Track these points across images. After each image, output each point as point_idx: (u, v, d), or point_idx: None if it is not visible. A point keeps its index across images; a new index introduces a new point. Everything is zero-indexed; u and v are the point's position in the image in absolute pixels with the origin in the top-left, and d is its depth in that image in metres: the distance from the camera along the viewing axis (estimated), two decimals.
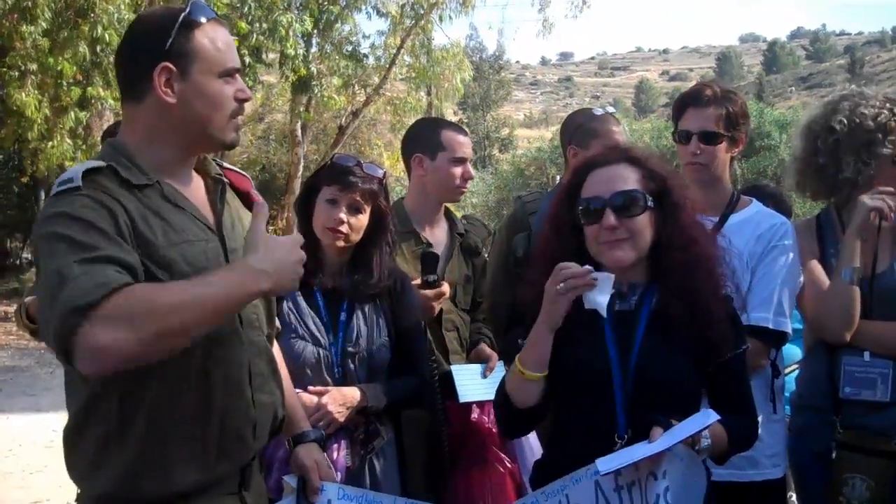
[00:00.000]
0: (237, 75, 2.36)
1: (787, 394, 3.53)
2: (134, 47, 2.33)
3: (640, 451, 2.38)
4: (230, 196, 2.52)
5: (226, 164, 2.59)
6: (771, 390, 3.32)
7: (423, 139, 4.02)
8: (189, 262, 2.22)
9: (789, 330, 3.29)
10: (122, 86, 2.37)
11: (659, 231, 2.64)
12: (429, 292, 3.64)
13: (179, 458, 2.25)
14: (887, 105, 3.42)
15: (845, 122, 3.40)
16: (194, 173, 2.44)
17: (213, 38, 2.29)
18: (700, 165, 3.38)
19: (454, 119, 56.49)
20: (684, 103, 3.47)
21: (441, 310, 3.81)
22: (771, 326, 3.23)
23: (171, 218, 2.25)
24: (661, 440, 2.39)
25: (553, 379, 2.66)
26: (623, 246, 2.61)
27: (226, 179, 2.50)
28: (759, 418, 3.12)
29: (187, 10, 2.28)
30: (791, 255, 3.30)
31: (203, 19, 2.29)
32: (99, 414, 2.22)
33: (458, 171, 3.92)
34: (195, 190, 2.40)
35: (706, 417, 2.46)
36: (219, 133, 2.33)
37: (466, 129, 4.23)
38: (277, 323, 2.84)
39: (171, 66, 2.24)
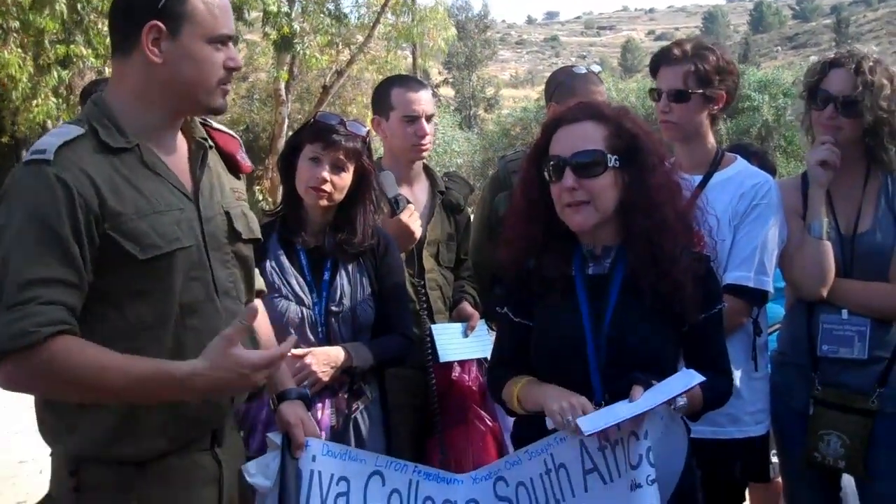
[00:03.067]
0: (230, 43, 2.33)
1: (769, 352, 3.55)
2: (128, 1, 2.31)
3: (623, 411, 2.38)
4: (213, 160, 2.50)
5: (215, 125, 2.57)
6: (752, 348, 3.32)
7: (378, 100, 3.97)
8: (160, 233, 2.22)
9: (770, 288, 3.29)
10: (113, 40, 2.35)
11: (626, 192, 2.60)
12: (402, 216, 3.61)
13: (154, 424, 2.26)
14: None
15: None
16: (180, 136, 2.42)
17: (209, 3, 2.27)
18: (671, 124, 3.39)
19: (439, 78, 56.26)
20: (657, 62, 3.47)
21: (424, 268, 3.81)
22: (751, 285, 3.23)
23: (145, 186, 2.24)
24: (643, 400, 2.39)
25: (529, 342, 2.70)
26: (583, 209, 2.59)
27: (209, 143, 2.48)
28: (739, 375, 3.18)
29: None
30: (774, 213, 3.30)
31: None
32: None
33: (410, 129, 3.81)
34: (177, 154, 2.38)
35: (689, 378, 2.47)
36: (205, 97, 2.31)
37: (426, 83, 4.08)
38: (261, 283, 2.85)
39: (160, 24, 2.22)
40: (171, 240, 2.23)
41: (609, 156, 2.58)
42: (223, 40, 2.31)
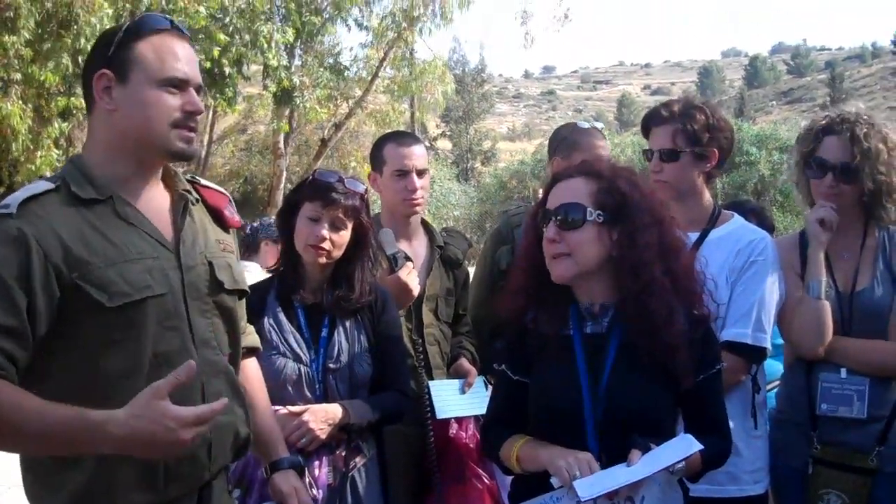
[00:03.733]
0: (189, 89, 2.34)
1: (768, 409, 3.54)
2: (88, 59, 2.39)
3: (621, 476, 2.37)
4: (199, 213, 2.50)
5: (203, 182, 2.58)
6: (752, 406, 3.31)
7: (373, 156, 4.01)
8: (129, 280, 2.21)
9: (768, 345, 3.29)
10: (84, 99, 2.41)
11: (615, 250, 2.61)
12: (400, 273, 3.61)
13: (130, 480, 2.23)
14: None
15: None
16: (162, 188, 2.43)
17: (158, 48, 2.30)
18: (663, 183, 3.39)
19: (437, 131, 56.60)
20: (647, 123, 3.50)
21: (423, 323, 3.81)
22: (749, 342, 3.23)
23: (116, 235, 2.24)
24: (641, 465, 2.39)
25: (526, 399, 2.69)
26: (562, 260, 2.61)
27: (192, 196, 2.48)
28: (740, 434, 3.15)
29: (137, 19, 2.33)
30: (771, 270, 3.31)
31: (149, 28, 2.31)
32: None
33: (401, 183, 3.83)
34: (155, 205, 2.39)
35: (688, 445, 2.46)
36: (159, 140, 2.31)
37: (419, 139, 4.11)
38: (256, 341, 2.84)
39: (108, 72, 2.26)
40: (141, 287, 2.22)
41: (591, 210, 2.60)
42: (175, 84, 2.31)
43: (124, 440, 2.05)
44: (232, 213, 2.63)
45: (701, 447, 2.46)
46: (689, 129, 3.35)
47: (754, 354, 3.27)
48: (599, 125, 4.31)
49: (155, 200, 2.39)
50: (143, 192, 2.36)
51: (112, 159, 2.31)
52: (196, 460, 2.35)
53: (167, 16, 2.40)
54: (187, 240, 2.40)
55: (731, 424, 2.90)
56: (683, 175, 3.39)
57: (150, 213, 2.35)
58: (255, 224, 6.42)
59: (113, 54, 2.27)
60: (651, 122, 3.47)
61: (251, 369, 2.81)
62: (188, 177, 2.54)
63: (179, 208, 2.43)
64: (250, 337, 2.80)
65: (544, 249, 2.65)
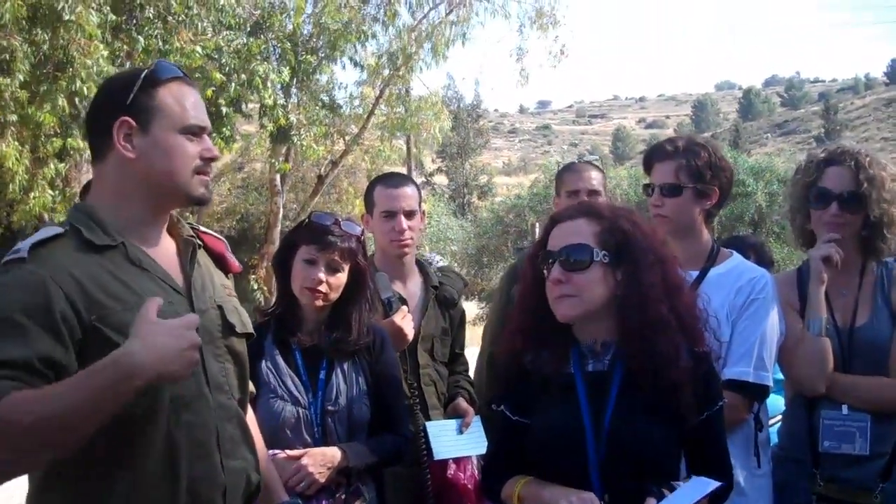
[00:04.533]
0: (204, 135, 2.36)
1: (771, 446, 3.52)
2: (98, 106, 2.37)
3: None
4: (203, 257, 2.51)
5: (201, 228, 2.58)
6: (754, 444, 3.29)
7: (366, 198, 4.05)
8: None
9: (770, 383, 3.27)
10: (90, 146, 2.39)
11: (619, 289, 2.61)
12: (395, 317, 3.61)
13: None
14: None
15: None
16: (166, 235, 2.43)
17: (177, 96, 2.31)
18: (663, 218, 3.40)
19: (433, 167, 56.78)
20: (650, 158, 3.51)
21: (419, 364, 3.79)
22: (751, 380, 3.21)
23: (131, 280, 2.24)
24: None
25: (527, 441, 2.66)
26: (568, 301, 2.60)
27: (198, 241, 2.49)
28: (743, 473, 3.15)
29: (152, 67, 2.32)
30: (771, 307, 3.30)
31: (167, 77, 2.32)
32: (62, 481, 2.19)
33: (388, 225, 3.85)
34: (164, 251, 2.39)
35: (703, 486, 2.45)
36: (182, 187, 2.32)
37: (409, 180, 4.13)
38: (252, 387, 2.82)
39: (130, 120, 2.26)
40: None
41: (597, 250, 2.60)
42: (195, 131, 2.33)
43: (143, 363, 2.00)
44: (232, 259, 2.64)
45: (717, 485, 2.45)
46: (692, 166, 3.36)
47: (756, 393, 3.25)
48: (592, 157, 4.39)
49: (163, 246, 2.40)
50: (153, 238, 2.37)
51: (124, 205, 2.31)
52: None
53: (177, 64, 2.43)
54: (197, 285, 2.41)
55: (734, 463, 2.88)
56: (684, 211, 3.39)
57: (160, 259, 2.35)
58: None
59: (132, 101, 2.26)
60: (654, 157, 3.47)
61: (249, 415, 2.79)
62: (189, 223, 2.54)
63: (187, 254, 2.43)
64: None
65: (548, 290, 2.64)
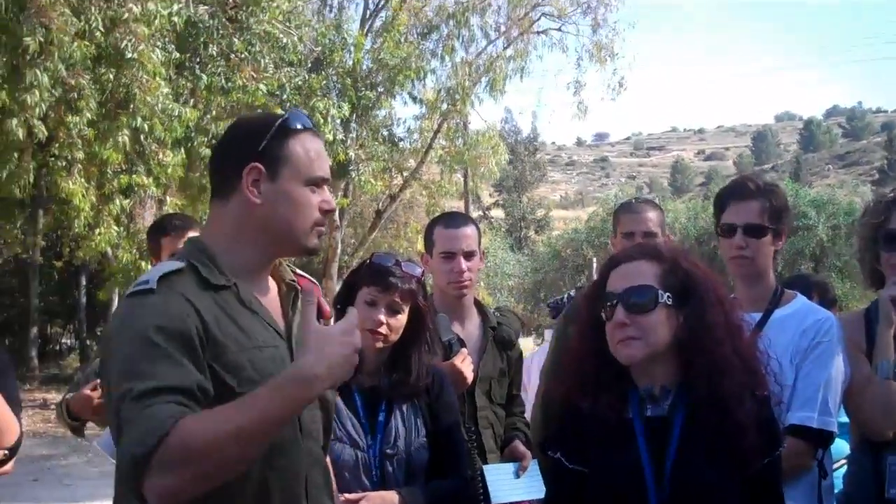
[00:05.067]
0: (325, 186, 2.39)
1: (835, 491, 3.44)
2: (228, 147, 2.41)
3: None
4: (300, 302, 2.53)
5: (298, 271, 2.61)
6: (818, 491, 3.21)
7: (426, 239, 4.06)
8: (257, 368, 2.23)
9: (835, 429, 3.21)
10: (213, 184, 2.42)
11: (682, 331, 2.58)
12: (455, 360, 3.61)
13: None
14: None
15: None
16: (269, 278, 2.47)
17: (306, 147, 2.34)
18: (745, 259, 3.34)
19: (490, 201, 56.86)
20: (727, 196, 3.44)
21: (476, 406, 3.78)
22: (816, 426, 3.14)
23: (244, 322, 2.27)
24: None
25: (584, 489, 2.63)
26: (632, 343, 2.56)
27: (299, 286, 2.51)
28: None
29: (286, 116, 2.36)
30: (836, 350, 3.24)
31: (299, 126, 2.35)
32: None
33: (447, 266, 3.86)
34: (269, 295, 2.43)
35: None
36: (302, 238, 2.35)
37: (470, 219, 4.13)
38: None
39: (260, 167, 2.28)
40: (267, 375, 2.21)
41: (661, 292, 2.57)
42: (318, 183, 2.36)
43: (318, 374, 2.06)
44: (324, 303, 2.70)
45: None
46: (773, 206, 3.34)
47: (821, 438, 3.18)
48: (645, 196, 4.38)
49: (268, 290, 2.43)
50: (260, 281, 2.40)
51: (239, 249, 2.34)
52: None
53: (309, 115, 2.44)
54: (297, 330, 2.42)
55: None
56: (765, 252, 3.36)
57: (265, 303, 2.39)
58: None
59: (265, 149, 2.29)
60: (734, 196, 3.41)
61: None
62: (289, 267, 2.57)
63: (289, 299, 2.46)
64: None
65: (609, 333, 2.61)
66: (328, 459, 2.72)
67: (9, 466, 3.16)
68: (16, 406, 3.17)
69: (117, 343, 2.14)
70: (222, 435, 1.99)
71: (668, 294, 2.57)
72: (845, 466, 3.68)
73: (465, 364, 3.63)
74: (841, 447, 3.88)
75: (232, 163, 2.32)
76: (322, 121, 15.83)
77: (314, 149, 2.36)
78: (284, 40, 14.76)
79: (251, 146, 2.30)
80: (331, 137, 16.31)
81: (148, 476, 1.96)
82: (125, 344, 2.11)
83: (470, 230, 3.95)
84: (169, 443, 1.95)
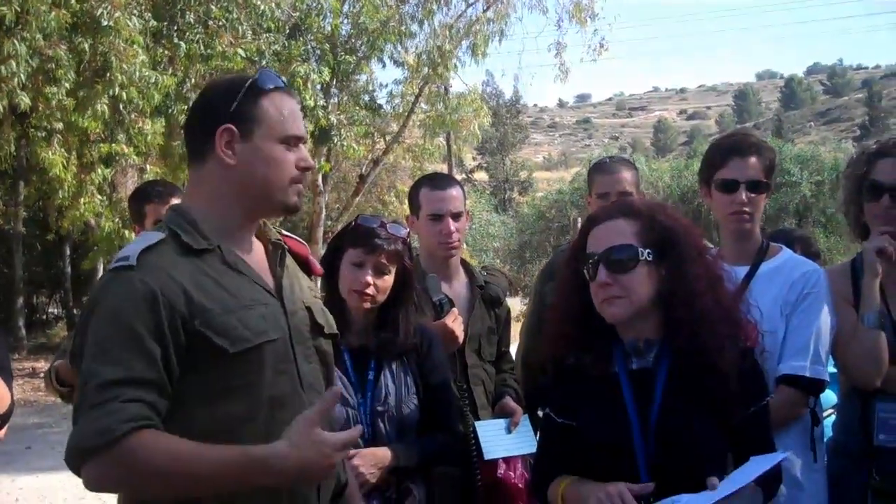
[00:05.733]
0: (301, 145, 2.40)
1: (825, 439, 3.48)
2: (200, 110, 2.42)
3: (702, 499, 2.33)
4: (289, 260, 2.55)
5: (284, 232, 2.62)
6: (811, 439, 3.26)
7: (411, 200, 4.06)
8: (247, 326, 2.25)
9: (827, 378, 3.25)
10: (189, 149, 2.44)
11: (663, 284, 2.61)
12: (446, 319, 3.64)
13: None
14: None
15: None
16: (255, 239, 2.48)
17: (278, 106, 2.35)
18: (747, 215, 3.36)
19: (473, 164, 56.74)
20: (727, 152, 3.41)
21: (467, 364, 3.81)
22: (808, 374, 3.18)
23: (230, 283, 2.29)
24: (727, 483, 2.35)
25: (574, 442, 2.66)
26: (617, 302, 2.59)
27: (285, 245, 2.54)
28: (799, 467, 3.16)
29: (255, 76, 2.37)
30: (825, 301, 3.28)
31: (270, 86, 2.36)
32: None
33: (436, 227, 3.87)
34: (255, 255, 2.44)
35: (766, 461, 2.43)
36: (279, 195, 2.37)
37: (454, 181, 4.13)
38: None
39: (232, 127, 2.30)
40: (259, 332, 2.27)
41: (641, 249, 2.59)
42: (292, 141, 2.37)
43: (286, 472, 2.13)
44: (314, 262, 2.70)
45: (784, 455, 2.45)
46: (768, 161, 3.38)
47: (813, 387, 3.22)
48: (620, 155, 4.39)
49: (254, 250, 2.45)
50: (245, 242, 2.42)
51: (220, 210, 2.36)
52: (307, 500, 2.39)
53: (280, 76, 2.44)
54: (286, 286, 2.46)
55: (792, 459, 2.92)
56: (761, 208, 3.40)
57: (252, 262, 2.40)
58: None
59: (236, 109, 2.31)
60: (736, 151, 3.39)
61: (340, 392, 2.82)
62: (274, 228, 2.59)
63: (276, 257, 2.48)
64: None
65: (594, 293, 2.63)
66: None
67: (1, 434, 3.17)
68: (6, 374, 3.17)
69: (95, 320, 2.17)
70: (171, 468, 2.08)
71: (647, 251, 2.59)
72: (833, 415, 3.73)
73: (455, 323, 3.66)
74: (829, 397, 3.92)
75: (205, 126, 2.34)
76: (302, 86, 15.73)
77: (287, 107, 2.38)
78: (262, 6, 14.61)
79: (222, 108, 2.32)
80: (311, 103, 16.20)
81: (86, 466, 2.07)
82: (101, 323, 2.16)
83: (456, 191, 3.95)
84: (119, 450, 2.04)
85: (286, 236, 2.61)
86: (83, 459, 2.06)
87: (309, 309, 2.51)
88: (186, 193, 2.46)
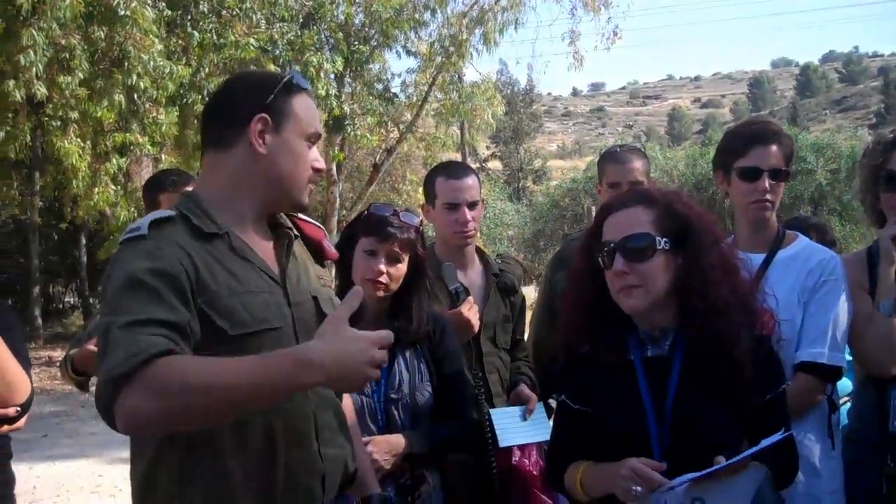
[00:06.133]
0: (314, 147, 2.45)
1: (841, 426, 3.48)
2: (232, 98, 2.44)
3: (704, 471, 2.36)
4: (299, 248, 2.55)
5: (299, 216, 2.63)
6: (828, 426, 3.26)
7: (426, 189, 4.05)
8: (250, 311, 2.25)
9: (844, 364, 3.25)
10: (212, 135, 2.42)
11: (680, 273, 2.60)
12: (462, 308, 3.64)
13: None
14: None
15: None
16: (265, 226, 2.48)
17: (306, 105, 2.42)
18: (769, 203, 3.35)
19: (487, 153, 56.71)
20: (750, 140, 3.38)
21: (482, 352, 3.82)
22: (826, 362, 3.18)
23: (236, 269, 2.29)
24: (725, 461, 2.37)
25: (589, 428, 2.67)
26: (635, 292, 2.58)
27: (294, 233, 2.54)
28: (818, 453, 3.17)
29: (290, 75, 2.43)
30: (842, 288, 3.27)
31: (303, 86, 2.44)
32: (165, 466, 2.26)
33: (452, 216, 3.87)
34: (263, 243, 2.44)
35: (776, 435, 2.43)
36: (296, 192, 2.41)
37: (470, 169, 4.13)
38: None
39: (267, 117, 2.34)
40: (260, 319, 2.27)
41: (658, 238, 2.58)
42: (314, 139, 2.44)
43: (324, 364, 2.03)
44: (329, 246, 2.70)
45: (784, 435, 2.45)
46: (788, 149, 3.38)
47: (830, 374, 3.22)
48: (631, 144, 4.34)
49: (262, 238, 2.45)
50: (253, 230, 2.42)
51: (235, 199, 2.37)
52: (311, 492, 2.37)
53: (302, 72, 2.51)
54: (292, 276, 2.45)
55: (809, 444, 2.94)
56: (780, 196, 3.39)
57: (259, 250, 2.41)
58: None
59: (272, 102, 2.35)
60: (758, 139, 3.37)
61: (345, 402, 2.80)
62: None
63: (283, 246, 2.48)
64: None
65: (610, 281, 2.63)
66: (349, 404, 2.76)
67: (20, 423, 3.19)
68: (25, 363, 3.19)
69: (111, 286, 2.16)
70: (205, 381, 2.00)
71: (664, 239, 2.59)
72: (849, 403, 3.72)
73: (471, 312, 3.66)
74: (845, 384, 3.91)
75: (240, 113, 2.36)
76: (315, 75, 15.73)
77: (312, 107, 2.45)
78: None
79: (259, 98, 2.36)
80: (323, 92, 16.21)
81: (121, 397, 1.98)
82: (117, 284, 2.14)
83: (472, 180, 3.95)
84: (150, 371, 1.98)
85: (301, 220, 2.62)
86: (116, 389, 1.99)
87: (315, 298, 2.50)
88: (200, 181, 2.47)
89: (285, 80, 2.40)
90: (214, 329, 2.19)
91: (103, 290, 2.27)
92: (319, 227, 2.70)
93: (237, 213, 2.37)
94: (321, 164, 2.45)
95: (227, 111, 2.41)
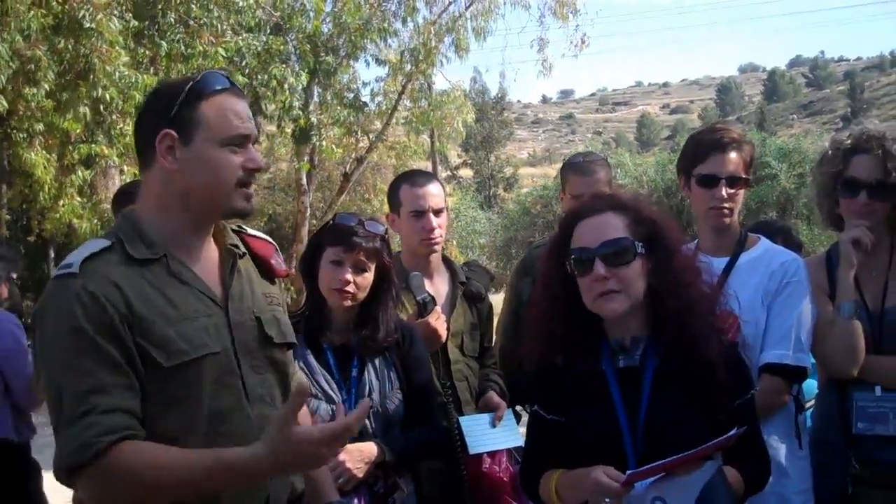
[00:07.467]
0: (248, 145, 2.34)
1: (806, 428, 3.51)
2: (144, 115, 2.37)
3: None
4: (246, 266, 2.50)
5: (250, 231, 2.58)
6: (795, 426, 3.30)
7: (390, 198, 4.04)
8: (187, 339, 2.22)
9: (808, 365, 3.28)
10: (138, 155, 2.39)
11: (652, 277, 2.62)
12: (430, 318, 3.65)
13: None
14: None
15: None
16: (210, 243, 2.42)
17: (222, 108, 2.29)
18: (727, 210, 3.37)
19: (458, 161, 56.78)
20: (707, 148, 3.40)
21: (450, 361, 3.81)
22: (790, 363, 3.21)
23: (173, 294, 2.25)
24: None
25: (563, 438, 2.67)
26: (616, 297, 2.58)
27: (239, 250, 2.47)
28: (784, 453, 3.21)
29: (198, 78, 2.31)
30: (805, 290, 3.30)
31: (213, 89, 2.30)
32: None
33: (418, 224, 3.86)
34: (205, 262, 2.39)
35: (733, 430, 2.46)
36: (224, 200, 2.31)
37: (434, 177, 4.12)
38: (303, 380, 2.85)
39: (172, 132, 2.25)
40: (199, 346, 2.23)
41: (636, 242, 2.60)
42: (238, 142, 2.31)
43: (272, 474, 2.18)
44: (279, 263, 2.62)
45: (739, 431, 2.46)
46: (748, 157, 3.39)
47: (795, 374, 3.26)
48: (592, 155, 4.38)
49: (205, 257, 2.39)
50: (195, 248, 2.36)
51: (166, 217, 2.31)
52: None
53: (226, 75, 2.39)
54: (235, 296, 2.40)
55: (777, 444, 2.98)
56: (740, 202, 3.42)
57: (200, 270, 2.35)
58: None
59: (176, 114, 2.26)
60: (716, 146, 3.38)
61: (302, 414, 2.79)
62: (234, 227, 2.53)
63: (228, 264, 2.42)
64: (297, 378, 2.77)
65: (587, 288, 2.62)
66: (306, 415, 2.74)
67: None
68: None
69: (47, 330, 2.17)
70: (154, 479, 2.10)
71: (640, 243, 2.61)
72: (814, 406, 3.75)
73: (438, 322, 3.67)
74: (811, 387, 3.95)
75: (147, 131, 2.29)
76: (278, 87, 15.66)
77: (231, 108, 2.31)
78: (242, 4, 14.56)
79: (163, 113, 2.28)
80: (287, 105, 16.11)
81: (77, 484, 2.10)
82: (55, 333, 2.15)
83: (436, 187, 3.95)
84: (102, 464, 2.05)
85: (250, 236, 2.56)
86: (71, 478, 2.08)
87: (259, 319, 2.44)
88: (138, 199, 2.40)
89: (189, 86, 2.29)
90: (151, 361, 2.17)
91: (39, 329, 2.21)
92: (270, 241, 2.63)
93: (172, 232, 2.32)
94: (255, 164, 2.34)
95: (139, 130, 2.36)
